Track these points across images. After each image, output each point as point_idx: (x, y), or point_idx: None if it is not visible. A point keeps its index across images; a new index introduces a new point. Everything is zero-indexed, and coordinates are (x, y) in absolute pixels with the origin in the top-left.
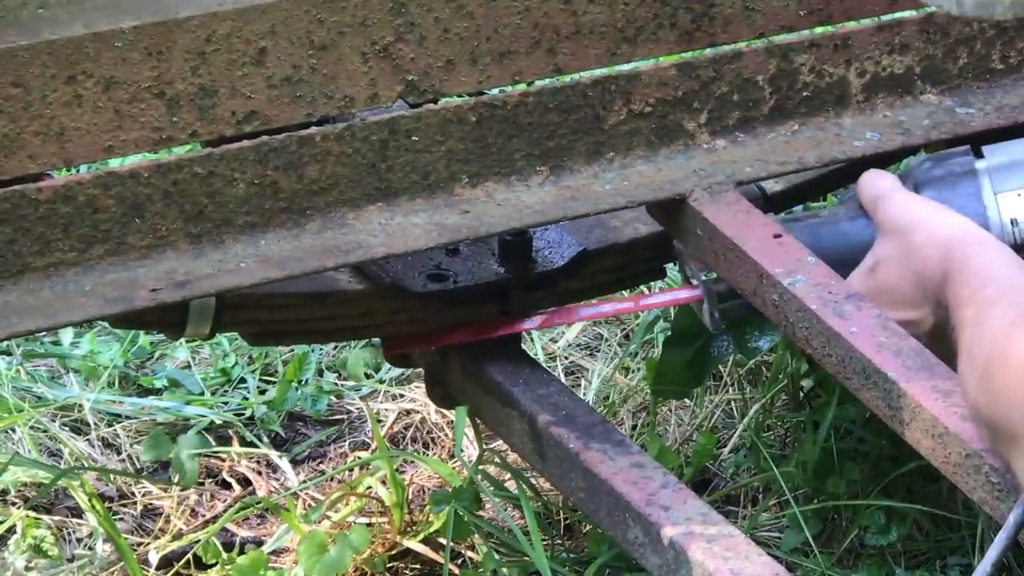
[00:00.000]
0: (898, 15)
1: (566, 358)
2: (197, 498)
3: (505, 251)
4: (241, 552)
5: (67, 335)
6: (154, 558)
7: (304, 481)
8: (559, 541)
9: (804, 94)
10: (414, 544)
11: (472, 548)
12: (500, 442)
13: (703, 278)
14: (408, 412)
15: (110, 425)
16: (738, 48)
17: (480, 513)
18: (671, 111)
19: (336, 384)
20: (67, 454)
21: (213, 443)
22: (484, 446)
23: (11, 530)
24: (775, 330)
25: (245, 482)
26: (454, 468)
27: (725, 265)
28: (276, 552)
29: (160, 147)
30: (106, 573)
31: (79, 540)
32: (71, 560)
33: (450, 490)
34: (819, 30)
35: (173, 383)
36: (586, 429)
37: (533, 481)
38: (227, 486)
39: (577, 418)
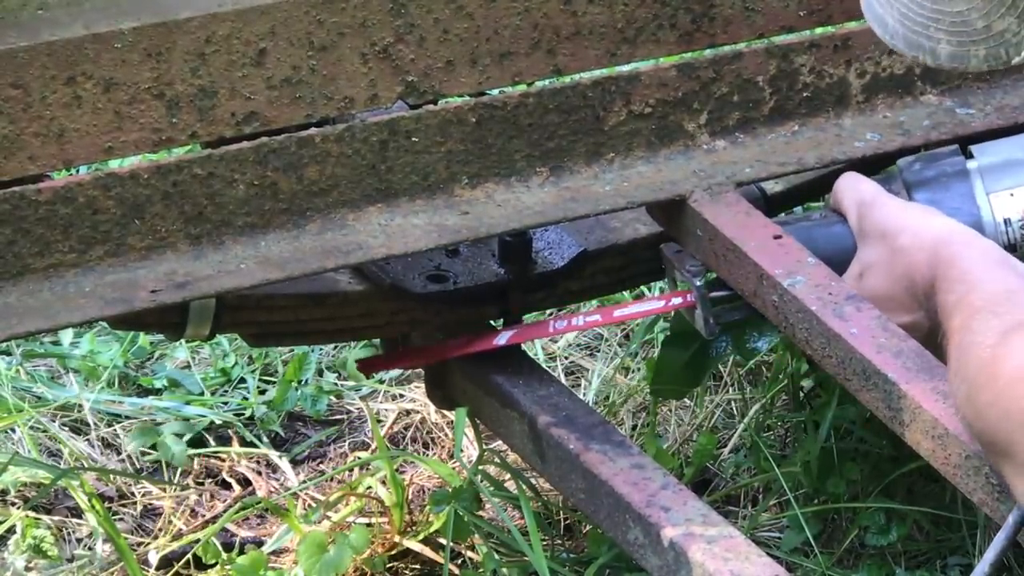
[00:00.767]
0: None
1: (566, 358)
2: (197, 498)
3: (505, 252)
4: (241, 552)
5: (67, 335)
6: (154, 558)
7: (304, 481)
8: (559, 541)
9: (804, 95)
10: (414, 544)
11: (472, 548)
12: (500, 443)
13: (697, 284)
14: (408, 412)
15: (110, 425)
16: (738, 49)
17: (480, 513)
18: (671, 112)
19: (336, 384)
20: (67, 454)
21: (213, 443)
22: (484, 446)
23: (11, 530)
24: (774, 331)
25: (245, 482)
26: (454, 468)
27: (725, 266)
28: (276, 552)
29: (160, 148)
30: (106, 573)
31: (79, 540)
32: (71, 560)
33: (450, 490)
34: (819, 31)
35: (173, 383)
36: (586, 430)
37: (533, 481)
38: (227, 486)
39: (577, 419)
